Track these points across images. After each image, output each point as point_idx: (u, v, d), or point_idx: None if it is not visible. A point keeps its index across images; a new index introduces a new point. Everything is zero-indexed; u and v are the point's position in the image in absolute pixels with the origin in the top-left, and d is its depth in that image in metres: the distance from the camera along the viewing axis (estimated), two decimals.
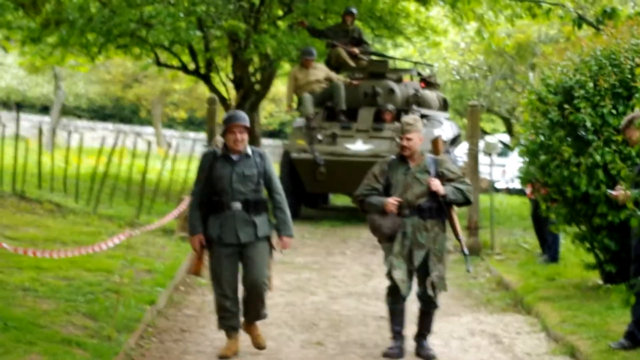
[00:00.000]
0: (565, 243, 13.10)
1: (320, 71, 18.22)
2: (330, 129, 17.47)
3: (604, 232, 10.90)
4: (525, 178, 11.91)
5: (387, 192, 8.45)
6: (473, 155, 15.08)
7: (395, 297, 8.41)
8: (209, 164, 8.36)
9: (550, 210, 11.53)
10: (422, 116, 18.00)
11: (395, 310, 8.46)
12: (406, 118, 8.68)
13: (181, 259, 12.28)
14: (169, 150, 17.37)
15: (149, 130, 44.43)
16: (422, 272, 8.41)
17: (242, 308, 8.46)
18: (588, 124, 10.81)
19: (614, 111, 10.79)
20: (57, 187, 15.95)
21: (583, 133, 10.88)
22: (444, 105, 19.87)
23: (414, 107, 18.29)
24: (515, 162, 24.59)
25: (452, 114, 24.93)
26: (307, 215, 17.77)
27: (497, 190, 18.67)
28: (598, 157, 10.71)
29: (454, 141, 19.46)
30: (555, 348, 8.92)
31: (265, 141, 36.76)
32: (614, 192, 9.37)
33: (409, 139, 8.42)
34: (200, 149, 18.85)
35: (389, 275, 8.40)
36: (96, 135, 40.44)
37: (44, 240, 12.10)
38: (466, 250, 8.55)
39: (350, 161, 16.72)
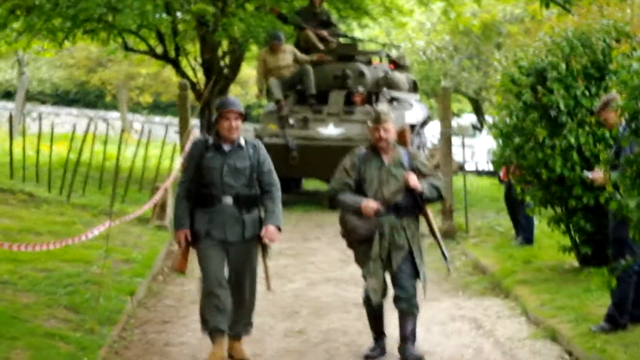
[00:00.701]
0: (539, 225, 13.16)
1: (288, 54, 18.16)
2: (301, 113, 17.45)
3: (579, 214, 10.97)
4: (499, 161, 11.95)
5: (359, 187, 7.93)
6: (446, 137, 15.10)
7: (371, 304, 8.00)
8: (199, 153, 7.83)
9: (526, 192, 11.58)
10: (393, 98, 18.05)
11: (374, 314, 8.12)
12: (381, 107, 8.08)
13: (158, 248, 12.24)
14: (140, 135, 17.25)
15: (114, 114, 44.15)
16: (401, 273, 7.91)
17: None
18: (561, 105, 10.84)
19: (586, 93, 10.84)
20: (29, 176, 15.81)
21: (556, 115, 10.94)
22: (414, 87, 19.89)
23: (384, 89, 18.30)
24: (483, 144, 24.71)
25: (420, 95, 24.92)
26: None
27: (467, 172, 18.71)
28: (572, 139, 10.77)
29: (424, 123, 19.49)
30: (536, 332, 8.99)
31: None
32: (589, 175, 9.45)
33: (386, 130, 7.86)
34: (173, 135, 18.78)
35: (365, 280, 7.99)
36: (60, 120, 40.14)
37: (18, 231, 11.98)
38: (446, 253, 8.21)
39: (323, 145, 16.70)
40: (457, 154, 19.19)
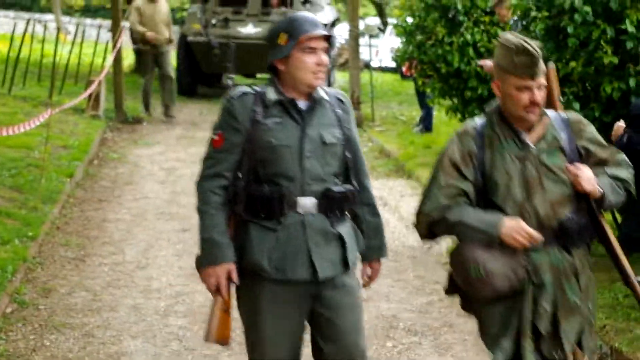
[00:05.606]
0: (437, 115, 13.22)
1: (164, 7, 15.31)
2: (223, 14, 17.14)
3: (474, 104, 10.98)
4: (403, 57, 11.90)
5: (483, 197, 3.68)
6: (354, 36, 14.98)
7: None
8: (250, 117, 3.69)
9: (426, 85, 11.59)
10: (306, 1, 17.79)
11: None
12: (536, 49, 3.54)
13: (93, 136, 12.01)
14: (75, 36, 16.77)
15: (48, 17, 42.90)
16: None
17: None
18: (459, 6, 10.83)
19: None
20: None
21: (454, 14, 10.95)
22: None
23: None
24: (387, 43, 24.63)
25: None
26: (203, 94, 17.59)
27: (372, 68, 18.62)
28: (468, 37, 10.76)
29: (334, 24, 19.28)
30: None
31: None
32: (481, 62, 9.50)
33: (540, 88, 3.60)
34: (104, 36, 18.28)
35: None
36: None
37: None
38: None
39: (242, 43, 16.50)
40: (363, 53, 19.09)
